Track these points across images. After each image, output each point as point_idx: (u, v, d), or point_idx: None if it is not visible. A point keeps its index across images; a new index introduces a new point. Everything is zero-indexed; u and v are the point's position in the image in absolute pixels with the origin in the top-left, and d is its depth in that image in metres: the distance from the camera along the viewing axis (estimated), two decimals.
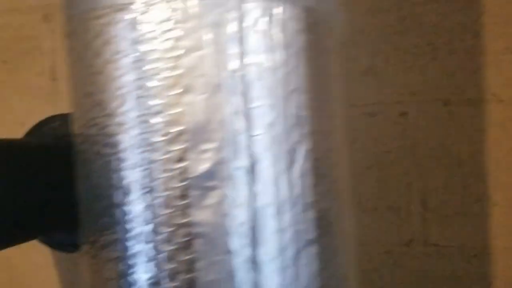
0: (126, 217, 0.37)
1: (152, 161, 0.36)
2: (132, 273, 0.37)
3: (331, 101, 0.39)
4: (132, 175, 0.36)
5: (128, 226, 0.37)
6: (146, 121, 0.35)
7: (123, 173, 0.37)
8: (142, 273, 0.36)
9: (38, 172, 0.80)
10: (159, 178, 0.36)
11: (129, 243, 0.37)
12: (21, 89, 1.01)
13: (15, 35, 1.02)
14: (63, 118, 0.98)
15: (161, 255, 0.35)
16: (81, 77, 0.39)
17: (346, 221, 0.40)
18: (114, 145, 0.37)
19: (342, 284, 0.39)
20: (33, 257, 1.03)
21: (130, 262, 0.37)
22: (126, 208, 0.37)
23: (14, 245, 0.92)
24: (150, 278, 0.35)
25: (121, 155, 0.37)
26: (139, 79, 0.36)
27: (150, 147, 0.35)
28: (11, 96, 1.02)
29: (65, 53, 0.44)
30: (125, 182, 0.36)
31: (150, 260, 0.35)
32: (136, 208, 0.36)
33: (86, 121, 0.41)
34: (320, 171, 0.37)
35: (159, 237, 0.35)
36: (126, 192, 0.37)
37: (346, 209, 0.40)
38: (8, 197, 0.72)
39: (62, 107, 1.00)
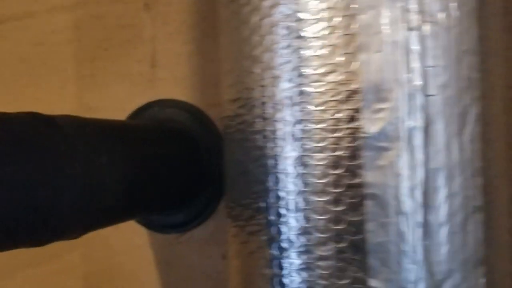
0: (287, 179, 0.36)
1: (321, 121, 0.35)
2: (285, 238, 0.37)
3: (498, 65, 0.37)
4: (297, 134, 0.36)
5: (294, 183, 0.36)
6: (319, 80, 0.35)
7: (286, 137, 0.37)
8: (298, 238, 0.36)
9: (155, 152, 0.82)
10: (328, 138, 0.35)
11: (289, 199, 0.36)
12: (122, 76, 1.05)
13: (116, 23, 1.05)
14: (162, 104, 1.01)
15: (328, 216, 0.35)
16: (240, 46, 0.39)
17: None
18: (277, 111, 0.37)
19: (505, 252, 0.37)
20: (130, 238, 1.06)
21: (288, 227, 0.36)
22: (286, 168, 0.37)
23: (128, 220, 0.95)
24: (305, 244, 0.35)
25: (286, 119, 0.36)
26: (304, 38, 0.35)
27: (322, 106, 0.35)
28: (113, 82, 1.06)
29: (225, 20, 0.44)
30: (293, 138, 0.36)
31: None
32: (297, 169, 0.36)
33: (240, 91, 0.41)
34: (488, 136, 0.36)
35: (326, 198, 0.35)
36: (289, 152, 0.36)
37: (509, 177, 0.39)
38: (135, 176, 0.74)
39: (161, 93, 1.03)
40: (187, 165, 0.93)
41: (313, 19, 0.35)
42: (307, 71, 0.35)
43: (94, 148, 0.68)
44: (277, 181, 0.37)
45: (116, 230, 1.07)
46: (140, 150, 0.79)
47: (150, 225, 1.03)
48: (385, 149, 0.34)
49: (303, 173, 0.36)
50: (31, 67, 1.13)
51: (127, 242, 1.05)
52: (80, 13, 1.07)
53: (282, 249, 0.37)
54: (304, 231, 0.35)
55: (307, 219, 0.36)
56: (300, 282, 0.35)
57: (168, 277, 1.01)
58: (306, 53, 0.36)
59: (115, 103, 1.05)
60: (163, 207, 0.93)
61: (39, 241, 0.64)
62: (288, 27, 0.36)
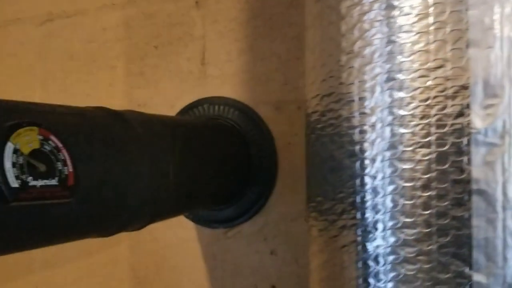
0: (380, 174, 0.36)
1: (426, 116, 0.35)
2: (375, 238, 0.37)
3: None
4: (401, 130, 0.36)
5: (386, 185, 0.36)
6: (425, 75, 0.35)
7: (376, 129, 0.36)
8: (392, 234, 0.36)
9: (210, 149, 0.83)
10: (433, 133, 0.35)
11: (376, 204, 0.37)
12: (171, 74, 1.06)
13: (166, 21, 1.06)
14: (212, 101, 1.02)
15: (430, 211, 0.35)
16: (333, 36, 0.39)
17: None
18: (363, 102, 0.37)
19: None
20: (177, 231, 1.07)
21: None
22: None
23: (186, 213, 0.96)
24: (414, 235, 0.35)
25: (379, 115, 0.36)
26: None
27: (427, 102, 0.35)
28: (162, 80, 1.07)
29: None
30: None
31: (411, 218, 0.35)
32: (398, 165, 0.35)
33: (334, 86, 0.40)
34: None
35: (429, 193, 0.35)
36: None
37: None
38: (196, 169, 0.75)
39: (210, 90, 1.04)
40: (238, 162, 0.94)
41: (421, 14, 0.35)
42: (413, 66, 0.35)
43: (159, 144, 0.69)
44: (375, 176, 0.37)
45: (164, 223, 1.08)
46: (197, 146, 0.80)
47: (198, 220, 1.04)
48: (494, 145, 0.34)
49: (404, 169, 0.36)
50: (81, 64, 1.14)
51: (174, 235, 1.06)
52: (130, 11, 1.08)
53: (378, 244, 0.37)
54: (403, 226, 0.35)
55: (406, 214, 0.35)
56: (398, 276, 0.35)
57: (215, 270, 1.02)
58: (412, 48, 0.35)
59: (164, 99, 1.06)
60: (217, 202, 0.94)
61: (107, 232, 0.65)
62: (391, 22, 0.35)
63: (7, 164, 0.42)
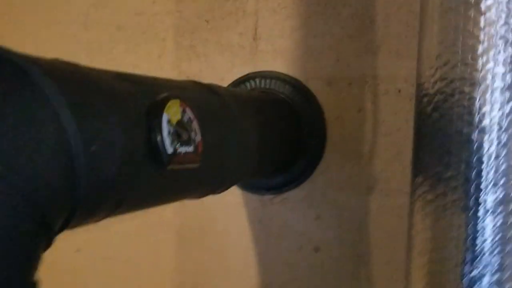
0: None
1: None
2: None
3: None
4: None
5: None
6: None
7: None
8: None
9: (273, 121, 0.88)
10: None
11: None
12: (222, 47, 1.09)
13: None
14: (262, 75, 1.06)
15: None
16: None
17: None
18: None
19: None
20: (224, 196, 1.12)
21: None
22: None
23: (255, 178, 1.01)
24: None
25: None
26: None
27: None
28: (212, 53, 1.10)
29: None
30: None
31: None
32: None
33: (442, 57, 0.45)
34: None
35: None
36: None
37: None
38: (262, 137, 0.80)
39: (261, 65, 1.08)
40: (290, 134, 0.99)
41: None
42: None
43: (245, 117, 0.74)
44: (499, 152, 0.42)
45: None
46: (264, 118, 0.85)
47: (245, 187, 1.10)
48: None
49: None
50: (129, 35, 1.16)
51: (221, 200, 1.12)
52: None
53: (481, 216, 0.42)
54: None
55: None
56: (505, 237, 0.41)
57: (260, 234, 1.09)
58: None
59: (213, 72, 1.10)
60: (272, 171, 0.99)
61: (205, 194, 0.70)
62: None
63: (165, 133, 0.47)
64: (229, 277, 1.12)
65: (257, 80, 1.05)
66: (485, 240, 0.42)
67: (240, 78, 1.07)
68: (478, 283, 0.44)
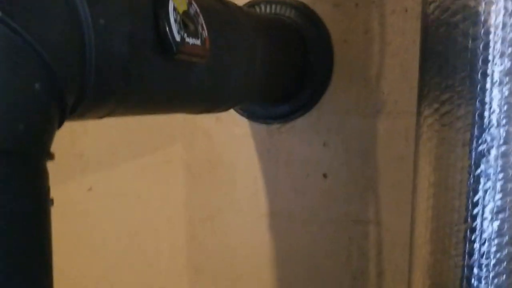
0: None
1: None
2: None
3: None
4: None
5: None
6: None
7: None
8: None
9: (279, 43, 0.87)
10: None
11: None
12: None
13: None
14: (269, 1, 1.04)
15: None
16: None
17: None
18: None
19: None
20: (231, 129, 1.13)
21: None
22: None
23: (262, 101, 1.02)
24: None
25: None
26: None
27: None
28: None
29: None
30: None
31: None
32: None
33: None
34: None
35: None
36: None
37: None
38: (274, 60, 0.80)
39: None
40: (297, 58, 0.98)
41: None
42: None
43: (252, 31, 0.73)
44: (506, 21, 0.42)
45: (217, 122, 1.14)
46: (271, 38, 0.85)
47: (252, 117, 1.10)
48: None
49: None
50: None
51: (228, 133, 1.13)
52: None
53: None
54: None
55: None
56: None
57: (268, 164, 1.10)
58: None
59: None
60: (277, 96, 1.00)
61: (206, 106, 0.70)
62: None
63: (172, 19, 0.47)
64: (238, 208, 1.14)
65: (263, 6, 1.03)
66: (493, 112, 0.43)
67: (246, 3, 1.05)
68: (485, 157, 0.45)
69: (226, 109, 0.76)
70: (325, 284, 1.09)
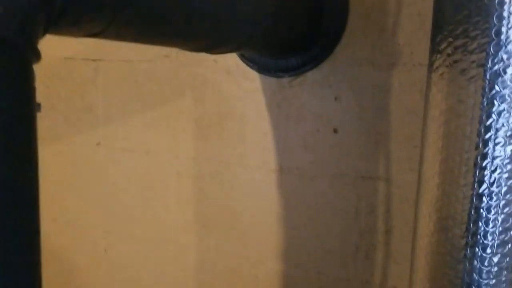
0: None
1: None
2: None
3: None
4: None
5: None
6: None
7: None
8: None
9: None
10: None
11: None
12: None
13: None
14: None
15: None
16: None
17: None
18: None
19: None
20: (241, 83, 1.12)
21: None
22: None
23: (268, 49, 0.99)
24: None
25: None
26: None
27: None
28: None
29: None
30: None
31: None
32: None
33: None
34: None
35: None
36: None
37: None
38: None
39: None
40: (312, 1, 0.95)
41: None
42: None
43: None
44: None
45: (228, 75, 1.12)
46: None
47: (263, 70, 1.08)
48: None
49: None
50: None
51: (239, 87, 1.11)
52: None
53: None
54: None
55: None
56: None
57: (278, 119, 1.08)
58: None
59: None
60: (289, 46, 0.97)
61: (207, 42, 0.67)
62: None
63: None
64: (247, 164, 1.14)
65: None
66: (510, 27, 0.41)
67: None
68: (501, 77, 0.43)
69: (228, 49, 0.73)
70: (331, 241, 1.08)
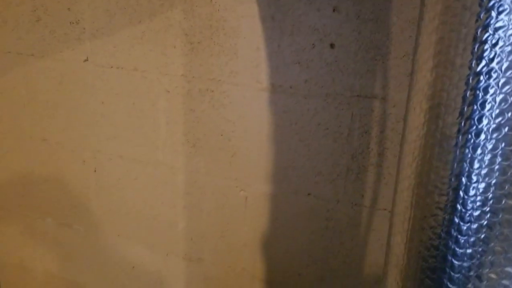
0: None
1: None
2: None
3: None
4: None
5: None
6: None
7: None
8: None
9: None
10: None
11: None
12: None
13: None
14: None
15: None
16: None
17: None
18: None
19: None
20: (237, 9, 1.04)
21: None
22: None
23: None
24: None
25: None
26: None
27: None
28: None
29: None
30: None
31: None
32: None
33: None
34: None
35: None
36: None
37: None
38: None
39: None
40: None
41: None
42: None
43: None
44: None
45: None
46: None
47: None
48: None
49: None
50: None
51: (233, 13, 1.04)
52: None
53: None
54: None
55: None
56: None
57: (272, 32, 1.02)
58: None
59: None
60: None
61: None
62: None
63: None
64: (238, 81, 1.08)
65: None
66: None
67: None
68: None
69: None
70: (322, 162, 1.05)
